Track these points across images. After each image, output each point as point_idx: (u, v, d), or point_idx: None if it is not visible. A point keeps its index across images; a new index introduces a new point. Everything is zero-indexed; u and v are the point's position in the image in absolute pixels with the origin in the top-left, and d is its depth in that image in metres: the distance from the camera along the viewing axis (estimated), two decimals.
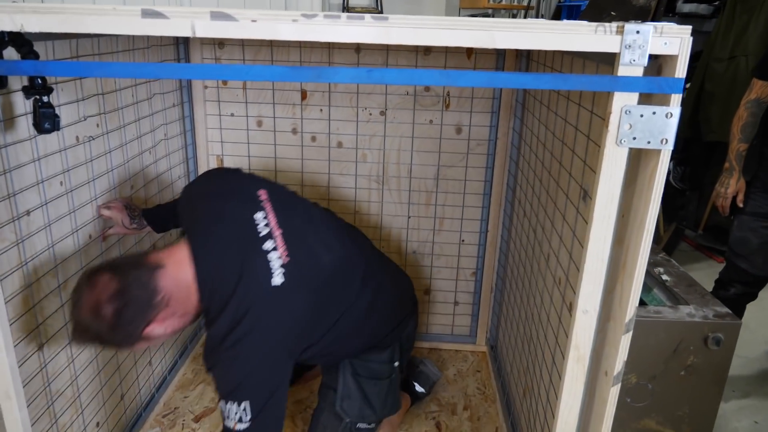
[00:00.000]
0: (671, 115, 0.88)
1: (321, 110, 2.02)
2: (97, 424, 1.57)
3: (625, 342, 0.98)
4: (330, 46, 1.95)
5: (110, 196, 1.56)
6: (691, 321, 1.60)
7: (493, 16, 5.66)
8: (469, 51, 1.93)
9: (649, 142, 0.89)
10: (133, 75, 0.87)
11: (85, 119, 1.41)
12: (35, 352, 1.29)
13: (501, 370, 2.04)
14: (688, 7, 3.52)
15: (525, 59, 1.86)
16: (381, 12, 5.29)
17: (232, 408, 1.21)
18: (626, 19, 3.11)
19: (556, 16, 4.67)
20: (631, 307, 0.96)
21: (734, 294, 2.22)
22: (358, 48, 1.95)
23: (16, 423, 1.18)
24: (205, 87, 2.02)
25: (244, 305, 1.21)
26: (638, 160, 0.95)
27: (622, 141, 0.89)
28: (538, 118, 1.62)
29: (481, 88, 1.97)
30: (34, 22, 0.86)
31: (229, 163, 2.11)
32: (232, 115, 2.05)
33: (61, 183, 1.35)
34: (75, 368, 1.45)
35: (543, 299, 1.43)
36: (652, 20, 3.01)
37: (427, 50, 1.94)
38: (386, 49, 1.94)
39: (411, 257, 2.20)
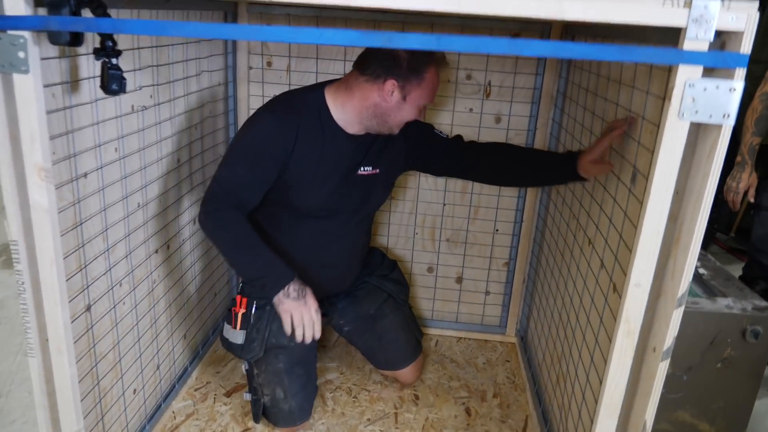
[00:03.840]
0: (734, 90, 0.88)
1: None
2: (134, 390, 1.61)
3: (676, 316, 0.98)
4: (376, 26, 1.96)
5: (158, 166, 1.59)
6: (729, 312, 1.59)
7: None
8: (515, 34, 1.94)
9: (711, 116, 0.89)
10: (207, 35, 0.89)
11: (140, 89, 1.45)
12: (83, 313, 1.32)
13: (531, 360, 2.04)
14: None
15: None
16: None
17: None
18: None
19: None
20: (684, 281, 0.96)
21: (759, 290, 2.20)
22: None
23: (65, 378, 1.21)
24: (250, 68, 2.05)
25: None
26: (695, 137, 0.95)
27: (684, 115, 0.89)
28: (583, 105, 1.62)
29: (522, 78, 1.97)
30: None
31: None
32: None
33: (116, 149, 1.38)
34: (118, 333, 1.48)
35: (587, 283, 1.43)
36: None
37: (473, 31, 1.95)
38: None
39: (444, 245, 2.21)
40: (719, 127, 0.89)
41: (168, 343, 1.78)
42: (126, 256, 1.48)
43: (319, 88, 1.59)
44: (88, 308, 1.34)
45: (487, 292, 2.25)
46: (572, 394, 1.44)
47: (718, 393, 1.65)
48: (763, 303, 1.63)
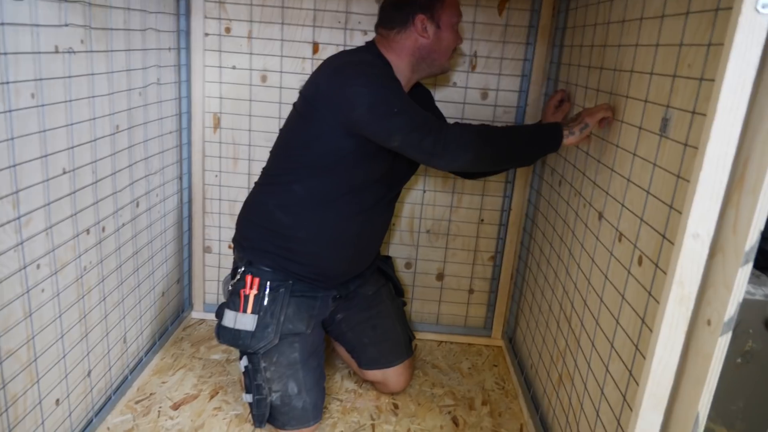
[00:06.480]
0: None
1: None
2: (57, 400, 1.32)
3: (741, 277, 0.77)
4: None
5: (90, 125, 1.33)
6: (751, 299, 1.39)
7: None
8: (501, 6, 1.75)
9: None
10: None
11: (66, 26, 1.19)
12: None
13: (523, 363, 1.81)
14: None
15: (563, 14, 1.68)
16: None
17: None
18: None
19: None
20: (753, 231, 0.75)
21: None
22: None
23: None
24: (206, 34, 1.81)
25: None
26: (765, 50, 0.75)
27: (764, 6, 0.69)
28: (588, 65, 1.43)
29: (512, 48, 1.78)
30: None
31: (227, 122, 1.89)
32: (234, 67, 1.84)
33: (33, 95, 1.12)
34: (32, 327, 1.20)
35: (597, 261, 1.22)
36: None
37: None
38: None
39: (424, 237, 1.98)
40: None
41: (102, 344, 1.50)
42: (45, 231, 1.20)
43: (373, 49, 1.48)
44: None
45: (471, 290, 2.03)
46: (584, 393, 1.22)
47: (738, 392, 1.43)
48: None
